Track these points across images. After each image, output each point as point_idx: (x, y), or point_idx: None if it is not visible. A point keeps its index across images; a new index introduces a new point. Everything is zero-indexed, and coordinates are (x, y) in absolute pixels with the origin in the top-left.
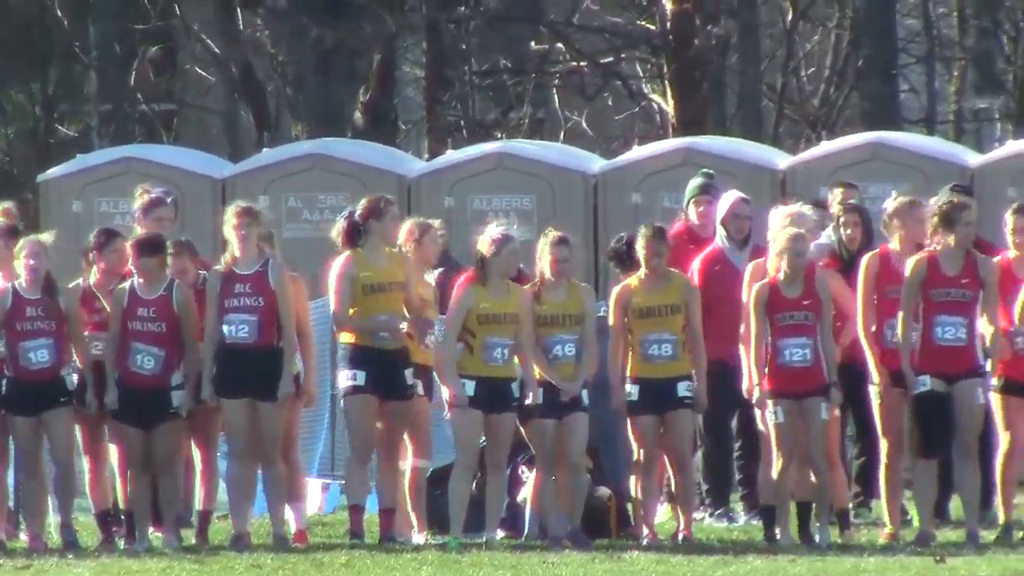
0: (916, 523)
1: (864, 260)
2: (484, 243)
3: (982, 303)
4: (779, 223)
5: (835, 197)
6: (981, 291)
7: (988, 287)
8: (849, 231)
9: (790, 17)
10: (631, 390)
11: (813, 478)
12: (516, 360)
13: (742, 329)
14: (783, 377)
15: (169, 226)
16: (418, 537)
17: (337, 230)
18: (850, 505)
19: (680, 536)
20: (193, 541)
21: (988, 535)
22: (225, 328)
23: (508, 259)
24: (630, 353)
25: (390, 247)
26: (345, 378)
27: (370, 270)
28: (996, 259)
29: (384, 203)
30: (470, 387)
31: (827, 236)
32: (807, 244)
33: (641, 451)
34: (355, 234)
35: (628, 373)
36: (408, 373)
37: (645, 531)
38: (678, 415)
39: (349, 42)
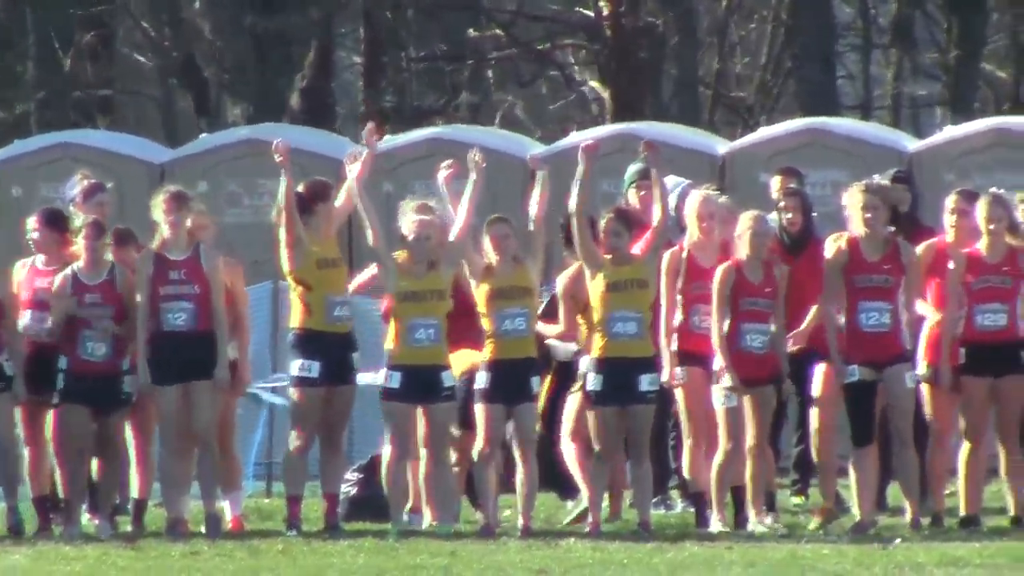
0: (855, 511)
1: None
2: (407, 225)
3: (904, 289)
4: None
5: (776, 184)
6: (903, 277)
7: (910, 273)
8: (790, 215)
9: (726, 3)
10: (593, 380)
11: (748, 463)
12: (444, 346)
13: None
14: (742, 363)
15: (109, 211)
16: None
17: (277, 210)
18: (775, 490)
19: (640, 527)
20: (128, 528)
21: (925, 522)
22: (161, 315)
23: (422, 244)
24: (596, 335)
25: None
26: (297, 368)
27: (319, 245)
28: (932, 241)
29: (326, 186)
30: (396, 379)
31: (771, 220)
32: (769, 227)
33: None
34: (301, 209)
35: (592, 356)
36: (355, 357)
37: (589, 519)
38: (638, 410)
39: (283, 30)
